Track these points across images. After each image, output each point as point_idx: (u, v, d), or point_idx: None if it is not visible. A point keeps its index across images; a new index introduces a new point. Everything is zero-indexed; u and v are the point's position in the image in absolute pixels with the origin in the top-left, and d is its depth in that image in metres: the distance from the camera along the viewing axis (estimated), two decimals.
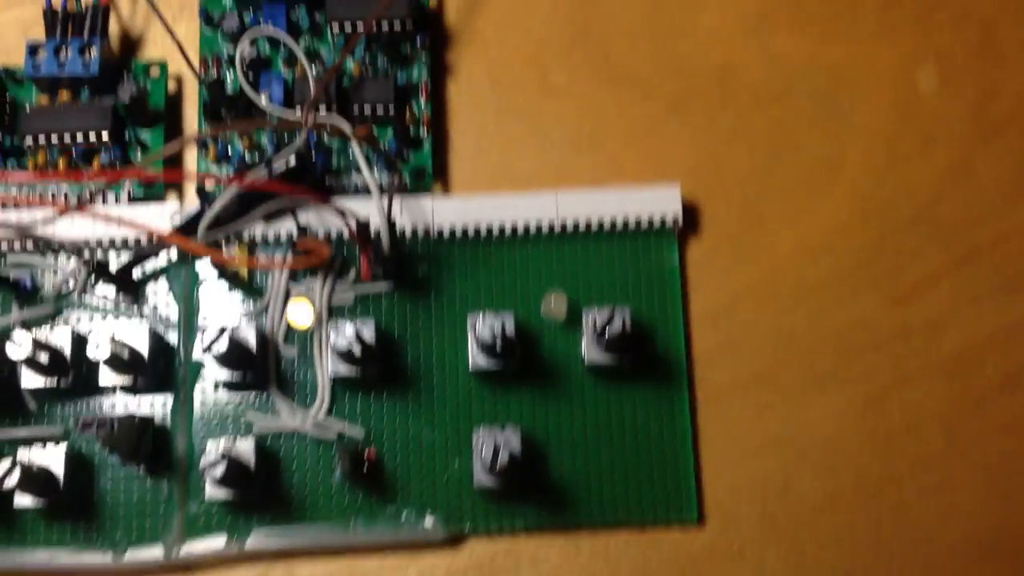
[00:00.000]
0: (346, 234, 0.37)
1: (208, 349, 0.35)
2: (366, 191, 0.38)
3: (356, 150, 0.37)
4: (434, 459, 0.37)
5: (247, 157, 0.38)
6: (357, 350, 0.35)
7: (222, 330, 0.34)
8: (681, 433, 0.37)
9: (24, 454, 0.35)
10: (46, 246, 0.37)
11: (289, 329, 0.37)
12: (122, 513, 0.36)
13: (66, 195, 0.38)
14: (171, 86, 0.40)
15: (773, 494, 0.37)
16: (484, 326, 0.35)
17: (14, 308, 0.37)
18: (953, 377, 0.38)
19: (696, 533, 0.37)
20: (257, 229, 0.37)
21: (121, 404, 0.37)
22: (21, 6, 0.41)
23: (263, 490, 0.36)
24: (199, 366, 0.37)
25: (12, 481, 0.33)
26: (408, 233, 0.38)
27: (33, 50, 0.38)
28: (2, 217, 0.36)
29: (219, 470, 0.34)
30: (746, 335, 0.38)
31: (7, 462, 0.33)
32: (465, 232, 0.38)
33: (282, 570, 0.36)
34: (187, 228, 0.37)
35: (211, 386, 0.37)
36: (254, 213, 0.36)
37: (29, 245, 0.37)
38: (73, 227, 0.37)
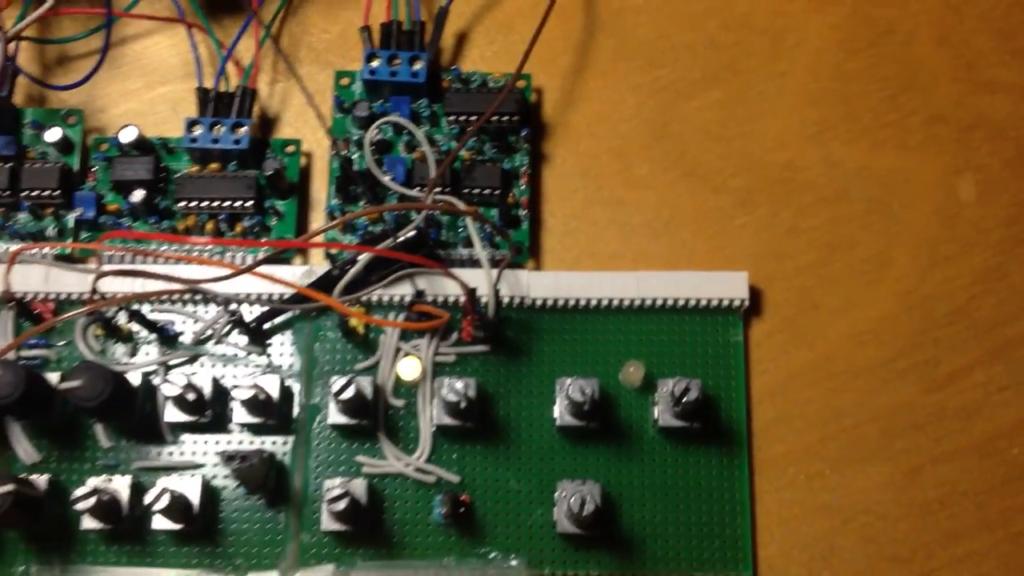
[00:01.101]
0: (452, 299, 0.42)
1: (338, 395, 0.39)
2: (470, 263, 0.43)
3: (470, 226, 0.42)
4: (520, 506, 0.41)
5: (370, 228, 0.43)
6: (464, 404, 0.39)
7: (350, 380, 0.39)
8: (740, 495, 0.41)
9: (165, 481, 0.39)
10: (192, 297, 0.42)
11: (398, 382, 0.42)
12: (243, 540, 0.40)
13: (216, 255, 0.42)
14: (302, 162, 0.45)
15: (819, 556, 0.41)
16: (575, 388, 0.40)
17: (157, 350, 0.42)
18: (983, 457, 0.42)
19: None
20: (374, 292, 0.42)
21: (247, 442, 0.41)
22: (173, 83, 0.46)
23: (369, 526, 0.40)
24: (316, 411, 0.41)
25: (161, 505, 0.37)
26: (505, 302, 0.42)
27: (191, 125, 0.43)
28: (176, 273, 0.41)
29: (341, 505, 0.37)
30: (800, 410, 0.42)
31: (156, 489, 0.37)
32: (555, 304, 0.43)
33: None
34: (316, 287, 0.41)
35: (327, 429, 0.41)
36: (378, 278, 0.41)
37: (175, 295, 0.42)
38: (216, 283, 0.41)
